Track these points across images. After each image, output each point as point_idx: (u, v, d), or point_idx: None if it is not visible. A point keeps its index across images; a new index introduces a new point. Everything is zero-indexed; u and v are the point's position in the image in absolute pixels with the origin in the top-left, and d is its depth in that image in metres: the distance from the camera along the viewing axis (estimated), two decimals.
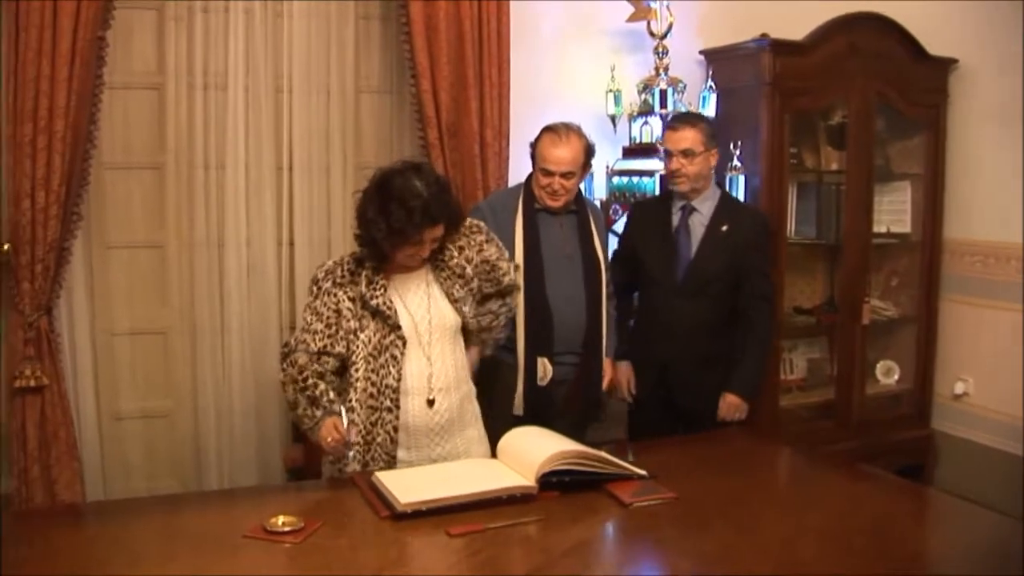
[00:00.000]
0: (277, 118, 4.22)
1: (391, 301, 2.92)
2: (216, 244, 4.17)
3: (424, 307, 2.97)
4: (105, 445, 4.10)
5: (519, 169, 4.22)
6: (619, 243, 4.05)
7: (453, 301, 3.01)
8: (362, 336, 2.91)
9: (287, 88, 4.22)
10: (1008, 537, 2.43)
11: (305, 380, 2.88)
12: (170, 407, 4.23)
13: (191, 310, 4.17)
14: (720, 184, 4.06)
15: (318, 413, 2.86)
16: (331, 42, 4.26)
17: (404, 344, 2.92)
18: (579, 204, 3.72)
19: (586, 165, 3.64)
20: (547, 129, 3.63)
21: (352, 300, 2.91)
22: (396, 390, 2.90)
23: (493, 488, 2.59)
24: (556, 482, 2.64)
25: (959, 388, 5.13)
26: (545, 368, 3.57)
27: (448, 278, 3.02)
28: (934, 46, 4.92)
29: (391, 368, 2.90)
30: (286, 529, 2.36)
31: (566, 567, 2.28)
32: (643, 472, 2.76)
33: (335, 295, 2.92)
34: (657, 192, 4.25)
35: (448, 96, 4.15)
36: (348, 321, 2.90)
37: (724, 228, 3.77)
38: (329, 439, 2.79)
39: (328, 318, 2.91)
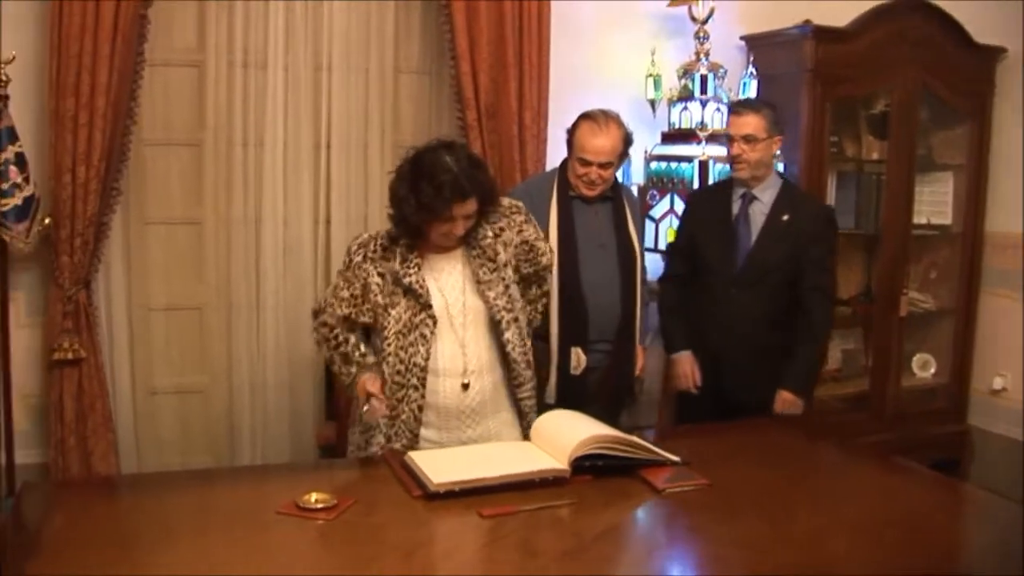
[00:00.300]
0: (316, 97, 4.22)
1: (423, 280, 2.91)
2: (253, 221, 4.18)
3: (459, 289, 2.96)
4: (140, 419, 4.14)
5: (557, 151, 4.20)
6: (678, 232, 3.98)
7: (478, 282, 2.97)
8: (393, 312, 2.90)
9: (326, 67, 4.22)
10: None
11: (336, 337, 2.95)
12: (205, 383, 4.25)
13: (227, 287, 4.19)
14: (781, 174, 3.93)
15: (352, 370, 2.93)
16: (371, 22, 4.25)
17: (434, 323, 2.90)
18: (614, 191, 3.66)
19: (624, 154, 3.60)
20: (585, 117, 3.57)
21: (382, 276, 2.91)
22: (424, 369, 2.89)
23: (526, 470, 2.58)
24: (589, 466, 2.62)
25: (997, 383, 5.08)
26: (579, 358, 3.54)
27: (477, 257, 2.98)
28: (981, 35, 4.85)
29: (420, 347, 2.89)
30: (319, 506, 2.36)
31: (598, 551, 2.27)
32: (676, 458, 2.75)
33: (365, 269, 2.92)
34: (695, 178, 4.21)
35: (487, 77, 4.14)
36: (375, 296, 2.90)
37: (785, 218, 3.66)
38: (372, 399, 2.81)
39: (355, 289, 2.93)
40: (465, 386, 2.93)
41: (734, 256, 3.69)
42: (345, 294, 2.94)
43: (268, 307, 4.22)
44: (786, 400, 3.64)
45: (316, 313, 3.03)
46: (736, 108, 3.78)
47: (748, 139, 3.63)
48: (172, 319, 4.21)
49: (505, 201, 3.09)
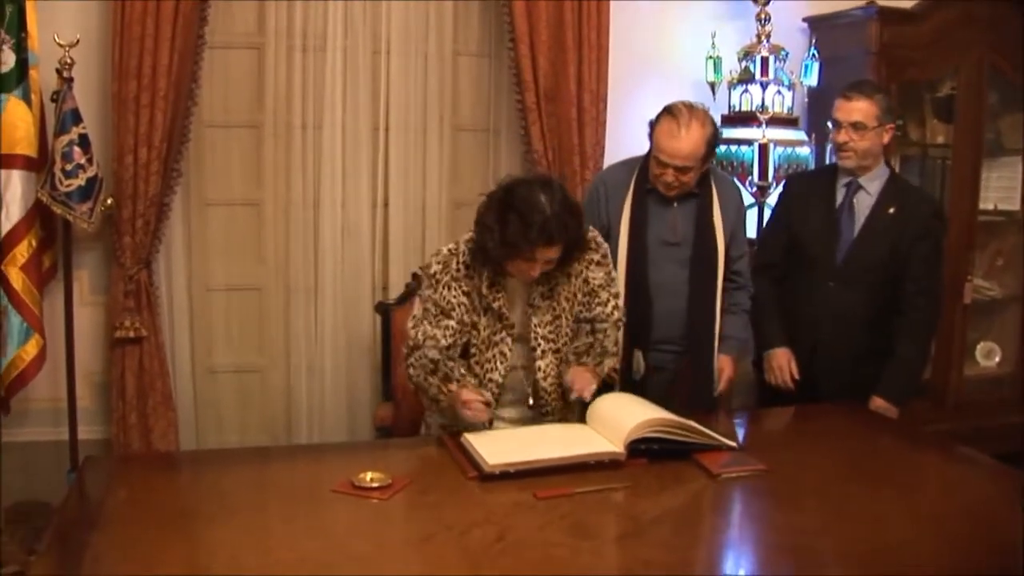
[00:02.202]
0: (374, 80, 4.22)
1: (508, 304, 2.87)
2: (312, 204, 4.20)
3: (517, 310, 2.92)
4: (199, 397, 4.19)
5: (616, 134, 4.20)
6: (772, 218, 3.81)
7: (529, 305, 2.91)
8: (474, 331, 2.88)
9: (384, 50, 4.22)
10: None
11: (437, 364, 2.82)
12: (263, 363, 4.29)
13: (286, 268, 4.22)
14: (888, 163, 3.69)
15: (454, 387, 2.79)
16: (429, 5, 4.25)
17: (513, 342, 2.89)
18: (702, 186, 3.40)
19: (708, 156, 3.33)
20: (667, 112, 3.29)
21: (467, 295, 2.85)
22: (500, 385, 2.89)
23: (581, 452, 2.58)
24: (644, 449, 2.61)
25: None
26: (639, 362, 3.40)
27: (537, 280, 2.87)
28: None
29: (498, 363, 2.88)
30: (374, 485, 2.38)
31: (654, 534, 2.26)
32: (733, 443, 2.72)
33: (453, 288, 2.84)
34: (755, 161, 4.16)
35: (546, 60, 4.12)
36: (466, 314, 2.85)
37: (891, 211, 3.46)
38: (471, 404, 2.72)
39: (452, 313, 2.83)
40: (531, 406, 2.93)
41: (835, 248, 3.51)
42: (448, 322, 2.83)
43: (326, 289, 4.24)
44: (879, 407, 3.44)
45: (413, 349, 2.86)
46: (846, 93, 3.50)
47: (857, 126, 3.43)
48: (231, 299, 4.25)
49: (588, 233, 2.96)
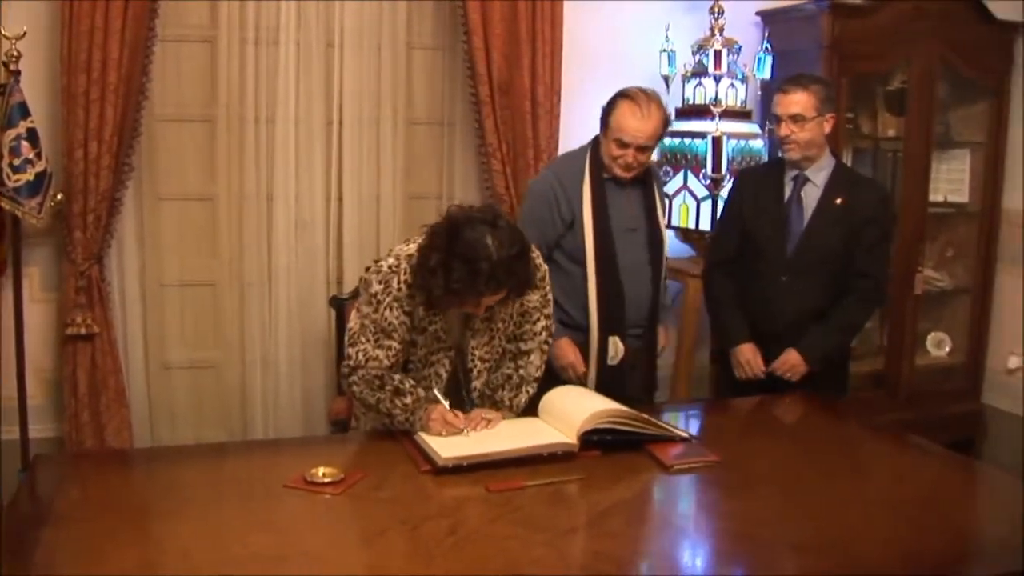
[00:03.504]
0: (328, 73, 4.21)
1: (446, 326, 2.84)
2: (265, 198, 4.18)
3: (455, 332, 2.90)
4: (153, 394, 4.16)
5: (569, 126, 4.21)
6: (725, 213, 3.80)
7: (467, 328, 2.89)
8: (412, 349, 2.85)
9: (338, 43, 4.20)
10: None
11: (383, 379, 2.75)
12: (217, 358, 4.27)
13: (240, 263, 4.20)
14: (834, 153, 3.67)
15: (407, 400, 2.72)
16: None
17: (450, 363, 2.88)
18: (645, 172, 3.51)
19: (662, 137, 3.47)
20: (625, 96, 3.36)
21: (408, 315, 2.78)
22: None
23: (534, 444, 2.59)
24: (598, 440, 2.63)
25: (1013, 363, 5.05)
26: (616, 347, 3.43)
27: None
28: (1001, 10, 4.79)
29: (433, 382, 2.85)
30: (326, 480, 2.38)
31: (606, 526, 2.28)
32: (685, 434, 2.74)
33: (394, 309, 2.75)
34: (709, 154, 4.18)
35: (500, 53, 4.12)
36: (407, 333, 2.80)
37: (839, 201, 3.47)
38: (444, 433, 2.67)
39: (394, 334, 2.76)
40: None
41: (785, 242, 3.52)
42: (388, 343, 2.76)
43: (280, 283, 4.22)
44: (790, 361, 3.48)
45: (354, 368, 2.77)
46: (783, 87, 3.53)
47: (796, 119, 3.43)
48: (185, 294, 4.23)
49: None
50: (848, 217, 3.48)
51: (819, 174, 3.53)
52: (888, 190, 3.73)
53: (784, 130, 3.47)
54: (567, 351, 3.43)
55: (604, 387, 3.32)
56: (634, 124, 3.30)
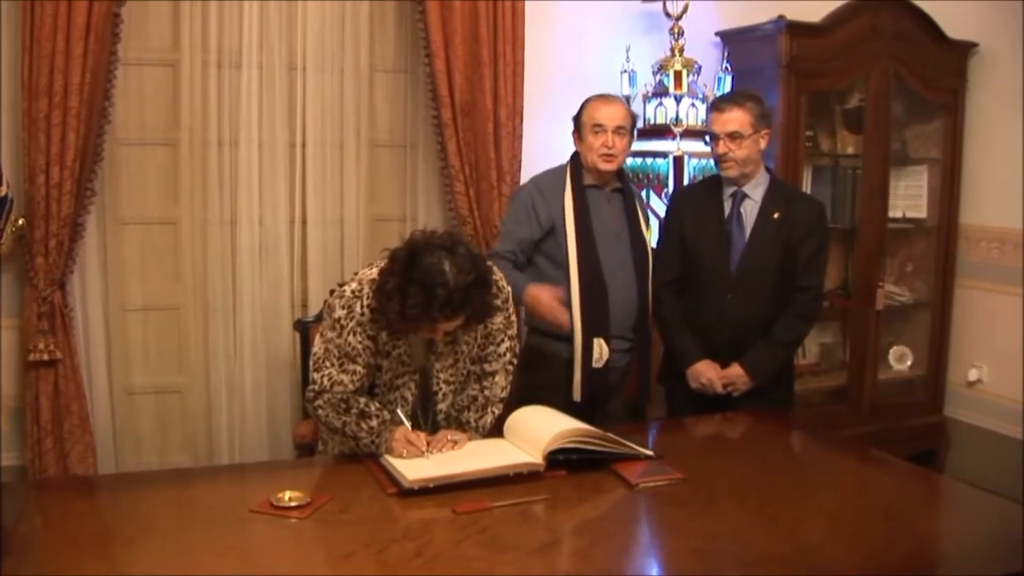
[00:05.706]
0: (291, 96, 4.21)
1: (409, 350, 2.85)
2: (229, 221, 4.16)
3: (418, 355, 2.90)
4: (117, 419, 4.12)
5: (532, 148, 4.23)
6: (664, 232, 3.78)
7: (431, 352, 2.90)
8: (378, 372, 2.86)
9: (301, 66, 4.21)
10: (1016, 524, 2.42)
11: (348, 403, 2.76)
12: (182, 383, 4.24)
13: (204, 287, 4.18)
14: (768, 168, 3.72)
15: (373, 423, 2.73)
16: (345, 20, 4.24)
17: (416, 387, 2.89)
18: (623, 182, 3.67)
19: (634, 128, 3.63)
20: (591, 96, 3.62)
21: (372, 339, 2.79)
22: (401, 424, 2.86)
23: (500, 465, 2.60)
24: (563, 460, 2.64)
25: (973, 375, 5.12)
26: (601, 349, 3.47)
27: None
28: (954, 30, 4.89)
29: (399, 406, 2.85)
30: (292, 504, 2.38)
31: (572, 546, 2.30)
32: (650, 452, 2.77)
33: (357, 334, 2.76)
34: (671, 174, 4.22)
35: (462, 75, 4.14)
36: (371, 357, 2.81)
37: (776, 215, 3.51)
38: (406, 454, 2.69)
39: (358, 359, 2.77)
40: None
41: (728, 260, 3.54)
42: (353, 367, 2.77)
43: (245, 307, 4.20)
44: (736, 375, 3.53)
45: (319, 393, 2.78)
46: (718, 104, 3.59)
47: (733, 136, 3.47)
48: (149, 319, 4.19)
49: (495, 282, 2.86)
50: (787, 232, 3.53)
51: (756, 190, 3.58)
52: (822, 203, 3.78)
53: (722, 148, 3.51)
54: (540, 295, 3.44)
55: (592, 392, 3.42)
56: (604, 107, 3.54)
